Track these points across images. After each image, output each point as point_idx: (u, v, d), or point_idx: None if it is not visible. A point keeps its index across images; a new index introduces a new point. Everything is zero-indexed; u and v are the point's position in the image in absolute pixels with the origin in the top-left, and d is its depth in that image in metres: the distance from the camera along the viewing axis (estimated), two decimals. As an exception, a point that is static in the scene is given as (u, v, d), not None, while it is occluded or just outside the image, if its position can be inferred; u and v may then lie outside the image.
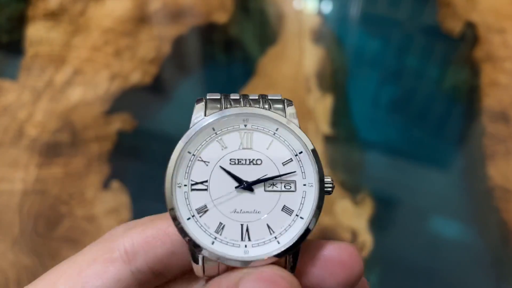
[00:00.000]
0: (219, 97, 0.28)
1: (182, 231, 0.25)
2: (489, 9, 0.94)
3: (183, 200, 0.26)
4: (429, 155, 0.74)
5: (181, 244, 0.25)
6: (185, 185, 0.26)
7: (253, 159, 0.27)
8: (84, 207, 0.64)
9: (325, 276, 0.25)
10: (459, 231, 0.66)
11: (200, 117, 0.27)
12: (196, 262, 0.25)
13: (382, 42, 0.92)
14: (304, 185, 0.27)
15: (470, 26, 0.91)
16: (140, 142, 0.74)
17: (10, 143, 0.71)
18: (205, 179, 0.26)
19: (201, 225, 0.26)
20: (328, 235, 0.63)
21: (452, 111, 0.82)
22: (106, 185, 0.67)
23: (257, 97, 0.28)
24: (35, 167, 0.68)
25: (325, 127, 0.75)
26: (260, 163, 0.27)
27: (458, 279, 0.61)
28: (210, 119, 0.27)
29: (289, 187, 0.27)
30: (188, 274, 0.27)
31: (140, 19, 0.91)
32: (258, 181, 0.26)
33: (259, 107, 0.27)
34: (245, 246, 0.25)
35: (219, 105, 0.27)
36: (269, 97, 0.28)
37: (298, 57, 0.86)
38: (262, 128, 0.27)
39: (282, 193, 0.27)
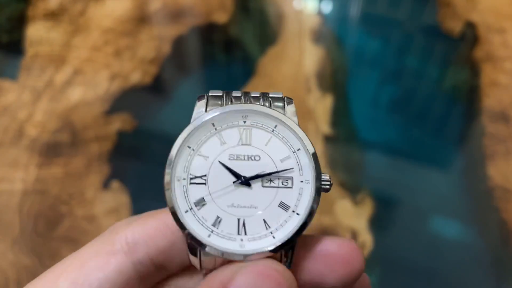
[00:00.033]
0: (221, 94, 0.28)
1: (180, 224, 0.25)
2: (489, 9, 0.94)
3: (181, 194, 0.26)
4: (429, 155, 0.74)
5: (182, 235, 0.25)
6: (184, 179, 0.26)
7: (252, 155, 0.27)
8: (84, 207, 0.64)
9: (324, 271, 0.25)
10: (459, 231, 0.66)
11: (201, 112, 0.27)
12: (194, 255, 0.25)
13: (382, 42, 0.92)
14: (301, 181, 0.27)
15: (470, 26, 0.91)
16: (140, 142, 0.74)
17: (10, 143, 0.71)
18: (204, 174, 0.27)
19: (199, 218, 0.26)
20: (328, 235, 0.63)
21: (452, 111, 0.82)
22: (106, 185, 0.67)
23: (258, 95, 0.28)
24: (35, 167, 0.68)
25: (325, 127, 0.75)
26: (259, 159, 0.27)
27: (458, 279, 0.61)
28: (210, 114, 0.27)
29: (286, 183, 0.27)
30: (188, 270, 0.27)
31: (140, 19, 0.91)
32: (255, 177, 0.27)
33: (259, 104, 0.28)
34: (241, 240, 0.25)
35: (220, 102, 0.28)
36: (270, 95, 0.28)
37: (298, 57, 0.86)
38: (261, 125, 0.28)
39: (279, 189, 0.27)
